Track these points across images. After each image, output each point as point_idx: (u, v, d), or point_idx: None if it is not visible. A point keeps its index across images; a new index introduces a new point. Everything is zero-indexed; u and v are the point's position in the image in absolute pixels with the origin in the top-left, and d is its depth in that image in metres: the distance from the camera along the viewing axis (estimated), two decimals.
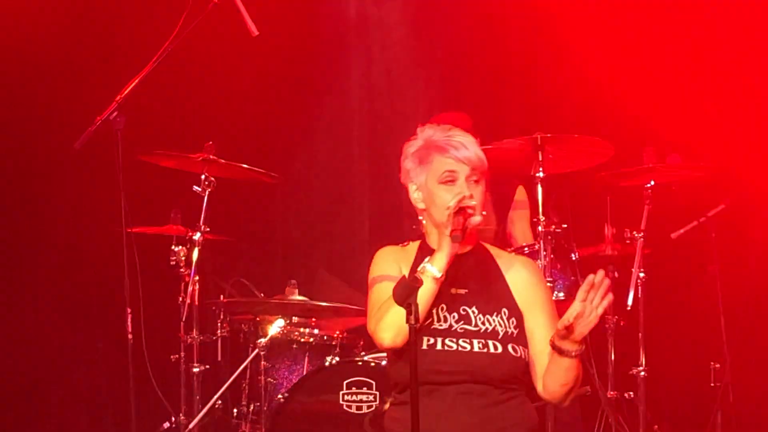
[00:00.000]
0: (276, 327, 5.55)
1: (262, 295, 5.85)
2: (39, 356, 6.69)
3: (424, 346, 3.63)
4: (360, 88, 7.51)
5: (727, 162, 6.16)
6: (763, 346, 6.46)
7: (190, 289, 5.49)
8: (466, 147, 3.74)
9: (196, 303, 5.55)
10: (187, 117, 6.76)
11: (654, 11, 6.77)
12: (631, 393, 5.73)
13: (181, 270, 5.52)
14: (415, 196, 3.82)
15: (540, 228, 5.36)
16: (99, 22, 6.65)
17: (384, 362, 4.91)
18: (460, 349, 3.65)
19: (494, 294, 3.75)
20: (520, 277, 3.80)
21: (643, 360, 5.69)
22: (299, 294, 5.68)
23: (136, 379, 4.66)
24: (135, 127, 4.78)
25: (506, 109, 6.87)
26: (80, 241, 6.66)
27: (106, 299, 5.88)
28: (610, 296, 3.46)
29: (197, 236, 5.49)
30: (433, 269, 3.62)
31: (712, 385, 6.05)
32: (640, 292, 5.68)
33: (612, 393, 5.74)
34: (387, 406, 3.92)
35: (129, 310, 4.77)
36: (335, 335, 5.64)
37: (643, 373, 5.68)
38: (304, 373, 5.56)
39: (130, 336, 4.77)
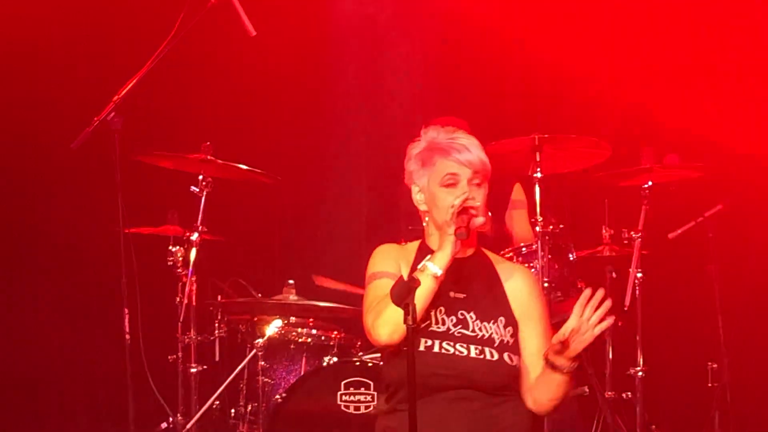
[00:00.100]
0: (273, 327, 5.55)
1: (260, 295, 5.84)
2: (37, 356, 6.69)
3: (421, 348, 3.62)
4: (357, 88, 7.50)
5: (725, 162, 6.17)
6: (761, 346, 6.47)
7: (187, 289, 5.50)
8: (469, 150, 3.73)
9: (194, 303, 5.55)
10: (185, 117, 6.76)
11: (651, 11, 6.78)
12: (629, 393, 5.73)
13: (179, 270, 5.52)
14: (418, 197, 3.82)
15: (538, 228, 5.36)
16: (97, 22, 6.65)
17: (382, 363, 4.90)
18: (456, 353, 3.64)
19: (492, 301, 3.74)
20: (518, 288, 3.79)
21: (640, 360, 5.69)
22: (296, 294, 5.68)
23: (134, 379, 4.66)
24: (132, 127, 4.78)
25: (504, 110, 6.87)
26: (78, 242, 6.66)
27: (104, 300, 5.88)
28: (610, 319, 3.45)
29: (195, 237, 5.50)
30: (434, 267, 3.60)
31: (710, 385, 6.05)
32: (637, 292, 5.68)
33: (610, 393, 5.75)
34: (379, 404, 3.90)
35: (126, 311, 4.77)
36: (333, 335, 5.64)
37: (640, 374, 5.68)
38: (302, 373, 5.56)
39: (127, 336, 4.77)
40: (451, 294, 3.71)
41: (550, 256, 5.36)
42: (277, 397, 5.41)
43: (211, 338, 5.75)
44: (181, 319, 5.55)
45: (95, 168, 5.28)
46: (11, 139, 6.53)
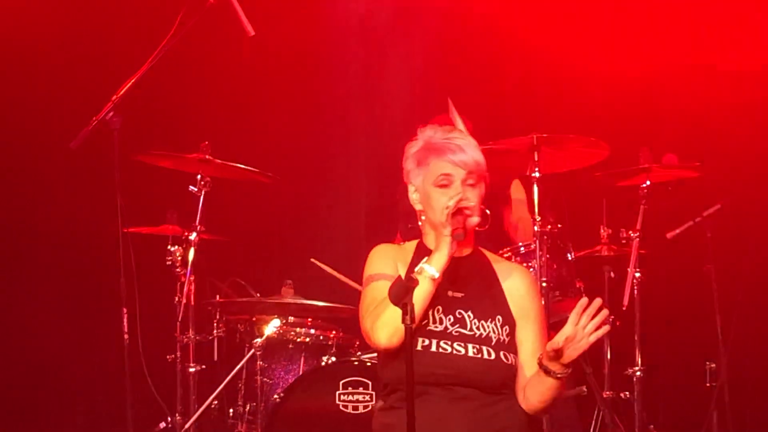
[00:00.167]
0: (272, 327, 5.55)
1: (258, 295, 5.85)
2: (35, 356, 6.68)
3: (419, 347, 3.62)
4: (356, 87, 7.51)
5: (723, 162, 6.17)
6: (759, 346, 6.47)
7: (186, 289, 5.51)
8: (464, 150, 3.73)
9: (192, 303, 5.56)
10: (183, 117, 6.76)
11: (649, 11, 6.78)
12: (627, 393, 5.73)
13: (177, 270, 5.53)
14: (414, 197, 3.82)
15: (536, 228, 5.36)
16: (95, 22, 6.65)
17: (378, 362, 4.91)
18: (454, 352, 3.64)
19: (490, 300, 3.74)
20: (516, 287, 3.79)
21: (639, 360, 5.70)
22: (295, 294, 5.68)
23: (133, 378, 4.67)
24: (131, 127, 4.79)
25: (503, 109, 6.87)
26: (76, 241, 6.66)
27: (103, 299, 5.89)
28: (605, 328, 3.45)
29: (193, 236, 5.50)
30: (431, 269, 3.61)
31: (708, 384, 6.04)
32: (635, 291, 5.68)
33: (608, 393, 5.74)
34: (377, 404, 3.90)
35: (125, 310, 4.78)
36: (331, 335, 5.65)
37: (639, 373, 5.68)
38: (301, 373, 5.56)
39: (126, 336, 4.78)
40: (449, 293, 3.71)
41: (548, 256, 5.36)
42: (276, 396, 5.41)
43: (210, 338, 5.76)
44: (179, 319, 5.55)
45: (94, 167, 5.29)
46: (10, 139, 6.54)
